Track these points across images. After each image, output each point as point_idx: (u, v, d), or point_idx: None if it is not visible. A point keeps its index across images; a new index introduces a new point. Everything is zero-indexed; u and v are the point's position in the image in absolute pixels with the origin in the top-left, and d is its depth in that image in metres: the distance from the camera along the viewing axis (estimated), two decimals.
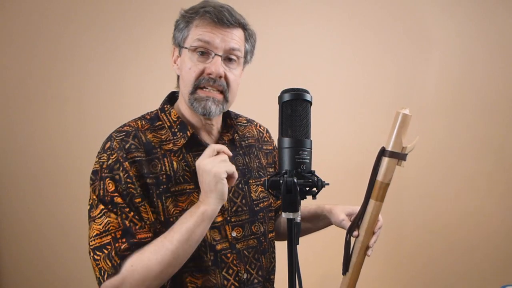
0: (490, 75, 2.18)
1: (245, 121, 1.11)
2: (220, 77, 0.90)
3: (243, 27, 0.94)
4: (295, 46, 2.07)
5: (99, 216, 0.85)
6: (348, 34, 2.12)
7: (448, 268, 2.16)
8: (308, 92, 0.72)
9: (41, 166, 1.86)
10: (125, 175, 0.86)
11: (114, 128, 0.95)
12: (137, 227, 0.85)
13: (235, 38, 0.92)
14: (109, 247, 0.82)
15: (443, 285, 2.17)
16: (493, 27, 2.18)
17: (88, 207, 0.88)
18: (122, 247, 0.82)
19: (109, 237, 0.83)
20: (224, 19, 0.89)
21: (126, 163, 0.86)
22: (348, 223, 1.00)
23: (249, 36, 0.97)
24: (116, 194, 0.85)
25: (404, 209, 2.12)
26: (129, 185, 0.86)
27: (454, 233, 2.16)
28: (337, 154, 2.06)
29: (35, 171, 1.86)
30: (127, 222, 0.84)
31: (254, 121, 1.14)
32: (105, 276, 0.82)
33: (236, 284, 0.93)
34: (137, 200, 0.86)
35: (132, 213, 0.85)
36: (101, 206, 0.85)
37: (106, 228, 0.84)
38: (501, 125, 2.19)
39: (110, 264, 0.82)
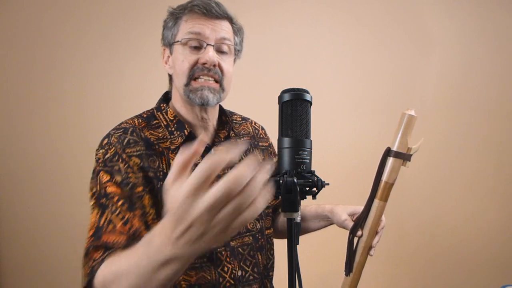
0: (490, 76, 2.18)
1: (240, 119, 1.12)
2: (214, 65, 0.91)
3: (231, 20, 0.96)
4: (295, 46, 2.07)
5: (92, 211, 0.82)
6: (348, 34, 2.12)
7: (448, 268, 2.16)
8: (308, 92, 0.72)
9: (41, 166, 1.86)
10: (125, 166, 0.84)
11: (113, 127, 0.94)
12: (119, 223, 0.78)
13: (224, 28, 0.93)
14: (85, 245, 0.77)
15: (443, 285, 2.16)
16: (493, 28, 2.18)
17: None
18: (90, 249, 0.76)
19: (87, 236, 0.79)
20: (213, 10, 0.91)
21: (124, 155, 0.85)
22: (350, 223, 0.99)
23: (237, 30, 0.98)
24: (109, 184, 0.82)
25: (404, 209, 2.11)
26: (129, 174, 0.84)
27: (454, 233, 2.16)
28: (337, 154, 2.06)
29: (35, 171, 1.86)
30: (104, 218, 0.78)
31: (249, 118, 1.15)
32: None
33: (232, 281, 0.92)
34: (139, 189, 0.83)
35: (121, 201, 0.80)
36: (93, 203, 0.82)
37: (90, 226, 0.80)
38: (502, 125, 2.18)
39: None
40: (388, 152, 0.90)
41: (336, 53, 2.11)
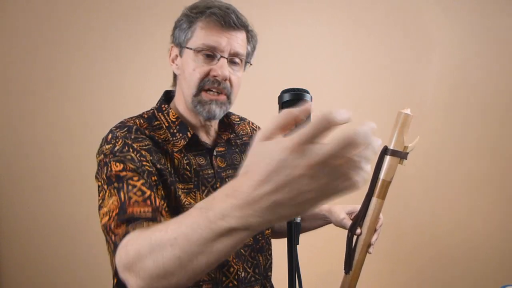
0: (490, 76, 2.18)
1: (238, 119, 1.11)
2: (225, 80, 0.89)
3: (246, 28, 0.94)
4: (295, 46, 2.07)
5: (105, 199, 0.77)
6: (348, 34, 2.12)
7: (447, 268, 2.16)
8: (308, 92, 0.72)
9: (42, 166, 1.86)
10: (137, 155, 0.81)
11: None
12: (141, 198, 0.74)
13: (239, 41, 0.91)
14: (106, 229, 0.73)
15: (443, 285, 2.16)
16: (493, 28, 2.18)
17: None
18: (112, 225, 0.71)
19: (107, 217, 0.74)
20: (231, 21, 0.88)
21: (135, 144, 0.82)
22: (348, 222, 0.99)
23: (251, 37, 0.96)
24: (124, 172, 0.77)
25: (402, 208, 2.11)
26: (143, 163, 0.80)
27: (453, 232, 2.16)
28: None
29: (35, 171, 1.86)
30: (123, 194, 0.74)
31: (246, 119, 1.14)
32: (113, 265, 0.69)
33: (235, 282, 0.92)
34: (154, 178, 0.80)
35: (142, 180, 0.76)
36: (105, 187, 0.78)
37: (109, 209, 0.74)
38: (501, 125, 2.19)
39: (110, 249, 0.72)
40: (385, 151, 0.91)
41: (336, 53, 2.11)
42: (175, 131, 0.92)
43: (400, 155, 0.90)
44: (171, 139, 0.91)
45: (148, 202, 0.74)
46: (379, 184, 0.92)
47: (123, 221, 0.71)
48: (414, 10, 2.14)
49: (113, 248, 0.68)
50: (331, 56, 2.10)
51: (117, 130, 0.87)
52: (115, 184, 0.76)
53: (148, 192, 0.76)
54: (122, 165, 0.78)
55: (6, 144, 1.85)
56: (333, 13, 2.10)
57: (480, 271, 2.16)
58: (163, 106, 0.97)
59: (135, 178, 0.77)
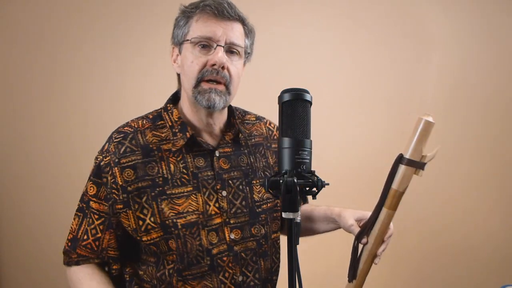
0: (490, 76, 2.18)
1: (254, 119, 1.09)
2: (223, 68, 0.89)
3: (242, 21, 0.94)
4: (296, 46, 2.07)
5: (75, 212, 0.96)
6: (348, 34, 2.12)
7: (447, 268, 2.16)
8: (308, 92, 0.72)
9: (42, 166, 1.86)
10: (112, 180, 0.89)
11: (115, 128, 0.95)
12: (91, 238, 0.92)
13: (235, 32, 0.91)
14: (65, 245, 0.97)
15: (442, 285, 2.16)
16: (494, 28, 2.18)
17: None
18: (66, 248, 0.96)
19: (68, 235, 0.97)
20: (225, 11, 0.89)
21: (116, 168, 0.88)
22: (357, 229, 0.96)
23: (248, 31, 0.96)
24: (94, 199, 0.91)
25: (401, 208, 2.11)
26: (113, 190, 0.89)
27: (453, 232, 2.16)
28: (337, 154, 2.06)
29: (36, 170, 1.86)
30: (82, 228, 0.93)
31: (264, 118, 1.12)
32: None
33: (232, 287, 0.92)
34: (119, 207, 0.89)
35: (100, 221, 0.91)
36: (78, 204, 0.95)
37: (70, 229, 0.96)
38: (501, 125, 2.19)
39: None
40: (400, 159, 0.84)
41: (336, 53, 2.11)
42: (176, 130, 0.94)
43: (417, 165, 0.82)
44: (171, 138, 0.93)
45: (96, 244, 0.92)
46: (391, 194, 0.86)
47: (73, 251, 0.94)
48: (414, 10, 2.14)
49: (65, 264, 0.99)
50: (331, 56, 2.10)
51: (114, 137, 0.92)
52: (84, 206, 0.94)
53: (99, 235, 0.92)
54: (95, 190, 0.91)
55: (6, 144, 1.85)
56: (333, 13, 2.10)
57: (480, 270, 2.16)
58: (168, 105, 0.98)
59: (96, 216, 0.91)
